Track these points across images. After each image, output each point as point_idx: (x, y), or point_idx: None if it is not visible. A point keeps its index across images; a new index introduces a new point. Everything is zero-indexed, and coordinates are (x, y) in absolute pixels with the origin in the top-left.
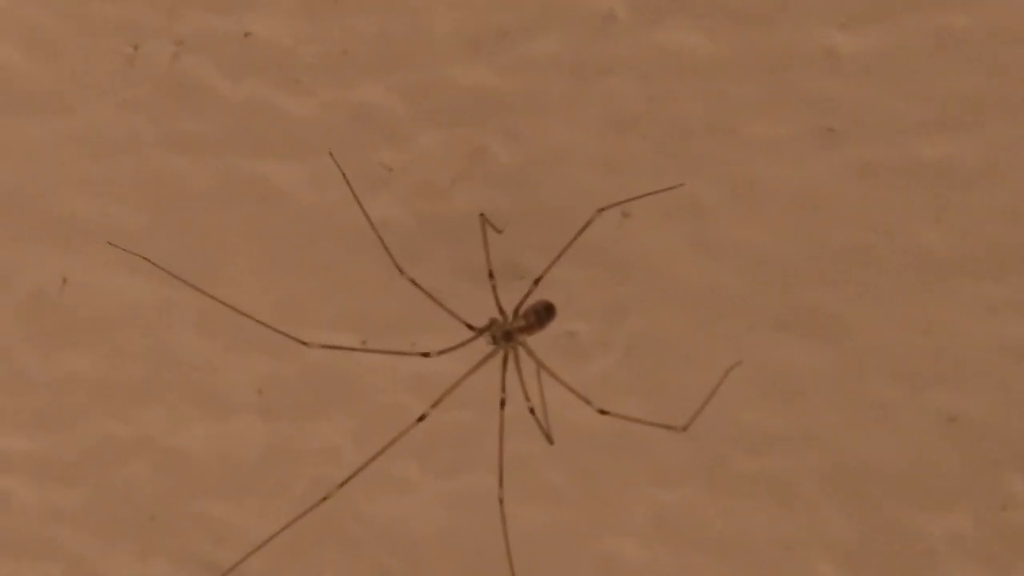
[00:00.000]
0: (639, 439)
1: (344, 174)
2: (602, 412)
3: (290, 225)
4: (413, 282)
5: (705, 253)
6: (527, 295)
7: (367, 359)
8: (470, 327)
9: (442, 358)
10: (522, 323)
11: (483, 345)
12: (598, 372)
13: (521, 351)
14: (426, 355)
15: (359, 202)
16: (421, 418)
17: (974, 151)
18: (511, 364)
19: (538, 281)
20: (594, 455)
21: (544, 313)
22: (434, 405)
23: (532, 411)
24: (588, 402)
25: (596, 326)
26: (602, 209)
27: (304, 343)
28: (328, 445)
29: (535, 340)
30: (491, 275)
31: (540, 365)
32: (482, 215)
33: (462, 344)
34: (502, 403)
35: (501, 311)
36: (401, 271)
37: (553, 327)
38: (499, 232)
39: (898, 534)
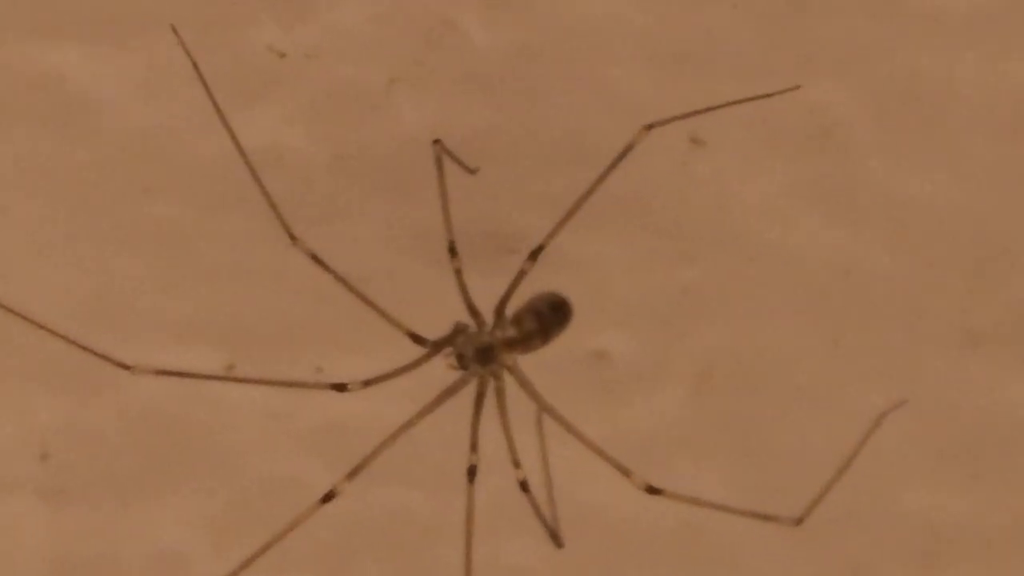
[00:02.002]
0: (717, 540)
1: (196, 65)
2: (651, 491)
3: (102, 162)
4: (315, 258)
5: (838, 212)
6: (517, 282)
7: (235, 395)
8: (417, 339)
9: (368, 393)
10: (511, 333)
11: (442, 371)
12: (646, 420)
13: (508, 381)
14: (340, 388)
15: (225, 120)
16: (327, 497)
17: None
18: (490, 404)
19: (536, 256)
20: (636, 570)
21: (549, 316)
22: (351, 476)
23: (525, 487)
24: (627, 473)
25: (643, 341)
26: (650, 127)
27: (125, 367)
28: (163, 548)
29: (533, 363)
30: (452, 249)
31: (542, 407)
32: (438, 142)
33: (405, 369)
34: (471, 472)
35: (473, 311)
36: (294, 239)
37: (566, 341)
38: (471, 172)
39: None
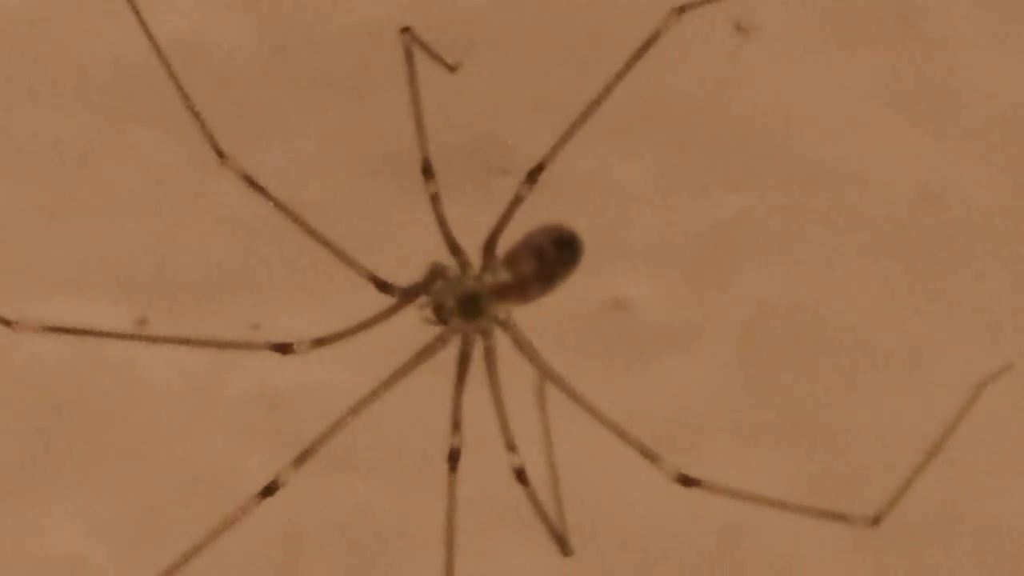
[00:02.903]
0: (768, 544)
1: None
2: (685, 481)
3: None
4: (250, 182)
5: (924, 121)
6: (511, 211)
7: (147, 358)
8: (382, 286)
9: (319, 356)
10: (503, 277)
11: (415, 327)
12: (677, 391)
13: (500, 340)
14: (284, 349)
15: (134, 3)
16: (268, 490)
17: None
18: (477, 370)
19: (535, 177)
20: None
21: (553, 255)
22: (297, 462)
23: (522, 476)
24: (654, 458)
25: (674, 289)
26: (682, 9)
27: (6, 323)
28: (55, 556)
29: (532, 316)
30: (427, 169)
31: (544, 374)
32: (407, 30)
33: (366, 325)
34: (452, 457)
35: (454, 250)
36: (223, 157)
37: (574, 287)
38: (451, 69)
39: None
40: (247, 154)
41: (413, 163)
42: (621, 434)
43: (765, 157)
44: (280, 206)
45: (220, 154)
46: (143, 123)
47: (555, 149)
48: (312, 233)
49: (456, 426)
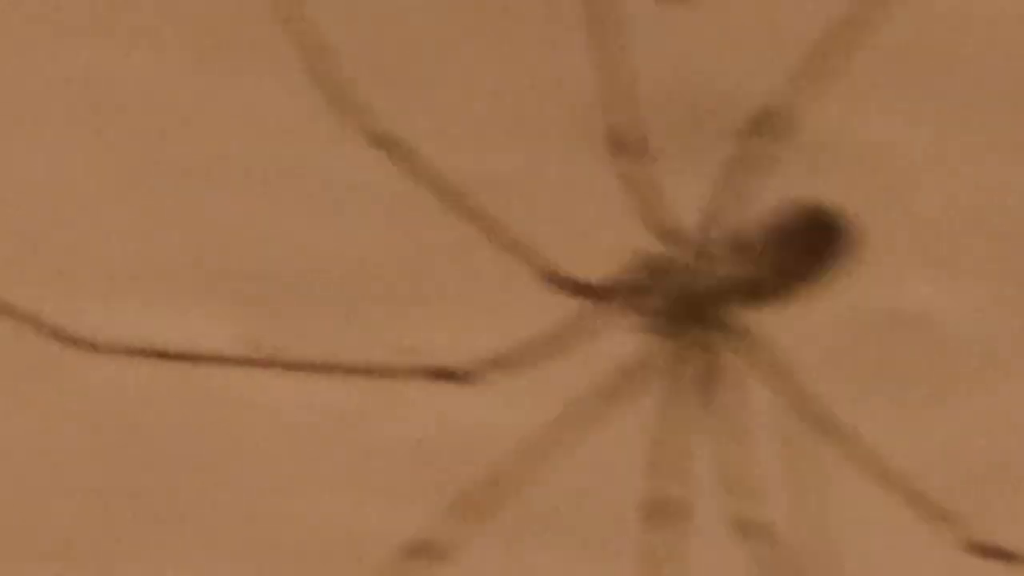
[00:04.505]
0: None
1: None
2: (981, 551)
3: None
4: (396, 150)
5: None
6: (740, 178)
7: (262, 386)
8: (572, 286)
9: (501, 384)
10: (738, 271)
11: (613, 338)
12: (989, 431)
13: (735, 356)
14: (452, 377)
15: None
16: (419, 551)
17: None
18: (703, 392)
19: (766, 128)
20: None
21: (808, 241)
22: (456, 514)
23: (763, 532)
24: (946, 518)
25: (993, 293)
26: None
27: (86, 344)
28: None
29: (781, 328)
30: (617, 140)
31: (796, 403)
32: None
33: (561, 342)
34: (652, 511)
35: (668, 236)
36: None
37: (847, 291)
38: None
39: None
40: (391, 115)
41: (594, 123)
42: (906, 491)
43: None
44: (437, 184)
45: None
46: (258, 74)
47: (796, 92)
48: (479, 220)
49: (656, 468)
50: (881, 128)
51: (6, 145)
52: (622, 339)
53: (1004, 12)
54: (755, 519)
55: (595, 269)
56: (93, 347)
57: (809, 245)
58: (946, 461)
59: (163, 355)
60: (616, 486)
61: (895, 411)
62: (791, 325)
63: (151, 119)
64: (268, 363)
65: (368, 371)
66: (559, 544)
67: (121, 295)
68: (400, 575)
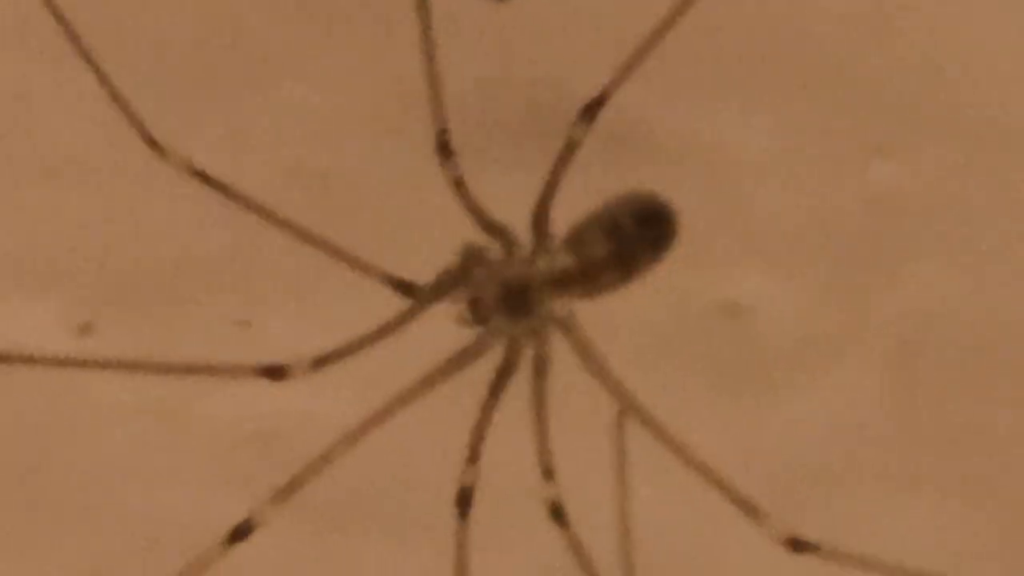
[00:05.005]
0: None
1: None
2: (795, 545)
3: None
4: (201, 176)
5: None
6: (563, 164)
7: (94, 376)
8: (401, 287)
9: (319, 380)
10: (564, 262)
11: (443, 332)
12: (806, 424)
13: (556, 348)
14: (276, 373)
15: None
16: (240, 532)
17: None
18: (519, 385)
19: (593, 113)
20: None
21: (634, 233)
22: (278, 498)
23: (558, 513)
24: (756, 514)
25: (807, 288)
26: None
27: None
28: None
29: (602, 319)
30: (444, 145)
31: (614, 392)
32: None
33: (378, 336)
34: (463, 500)
35: (494, 230)
36: (155, 147)
37: (673, 285)
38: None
39: None
40: (231, 106)
41: (425, 127)
42: (714, 481)
43: (923, 114)
44: (249, 204)
45: (152, 144)
46: (89, 64)
47: (621, 77)
48: (303, 235)
49: (473, 456)
50: (720, 127)
51: None
52: (449, 332)
53: (843, 13)
54: (550, 495)
55: (426, 265)
56: None
57: (636, 235)
58: (765, 455)
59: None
60: (431, 473)
61: (717, 403)
62: (620, 315)
63: None
64: (95, 362)
65: (191, 368)
66: (373, 530)
67: None
68: (216, 554)
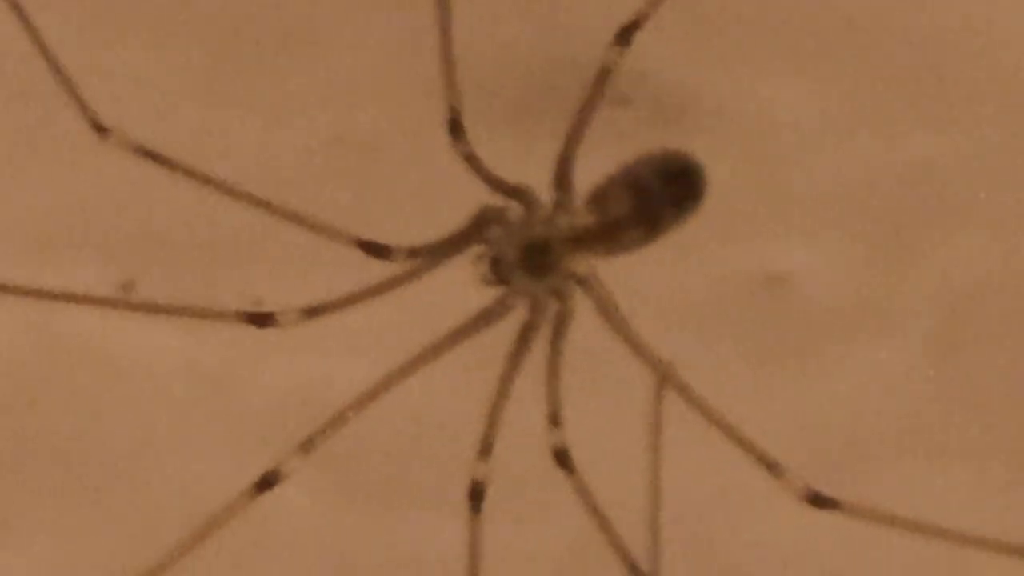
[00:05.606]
0: None
1: None
2: (816, 500)
3: None
4: (145, 152)
5: None
6: (588, 113)
7: (131, 339)
8: (374, 249)
9: (326, 325)
10: (586, 220)
11: (452, 289)
12: (846, 393)
13: (578, 306)
14: (262, 320)
15: None
16: (267, 482)
17: None
18: (539, 352)
19: (628, 38)
20: None
21: (660, 191)
22: (303, 448)
23: (562, 459)
24: (776, 470)
25: (850, 258)
26: None
27: None
28: None
29: (629, 281)
30: (456, 124)
31: (649, 364)
32: None
33: (368, 293)
34: (475, 494)
35: (512, 192)
36: (101, 130)
37: (712, 254)
38: None
39: None
40: (248, 76)
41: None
42: (734, 437)
43: (967, 84)
44: (203, 178)
45: (98, 128)
46: (124, 41)
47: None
48: (278, 211)
49: (485, 450)
50: (761, 95)
51: None
52: (471, 292)
53: None
54: (556, 442)
55: (440, 218)
56: None
57: (661, 192)
58: (805, 426)
59: (39, 293)
60: (452, 436)
61: (759, 373)
62: (659, 286)
63: (31, 85)
64: (115, 303)
65: (184, 313)
66: (389, 493)
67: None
68: (243, 502)
